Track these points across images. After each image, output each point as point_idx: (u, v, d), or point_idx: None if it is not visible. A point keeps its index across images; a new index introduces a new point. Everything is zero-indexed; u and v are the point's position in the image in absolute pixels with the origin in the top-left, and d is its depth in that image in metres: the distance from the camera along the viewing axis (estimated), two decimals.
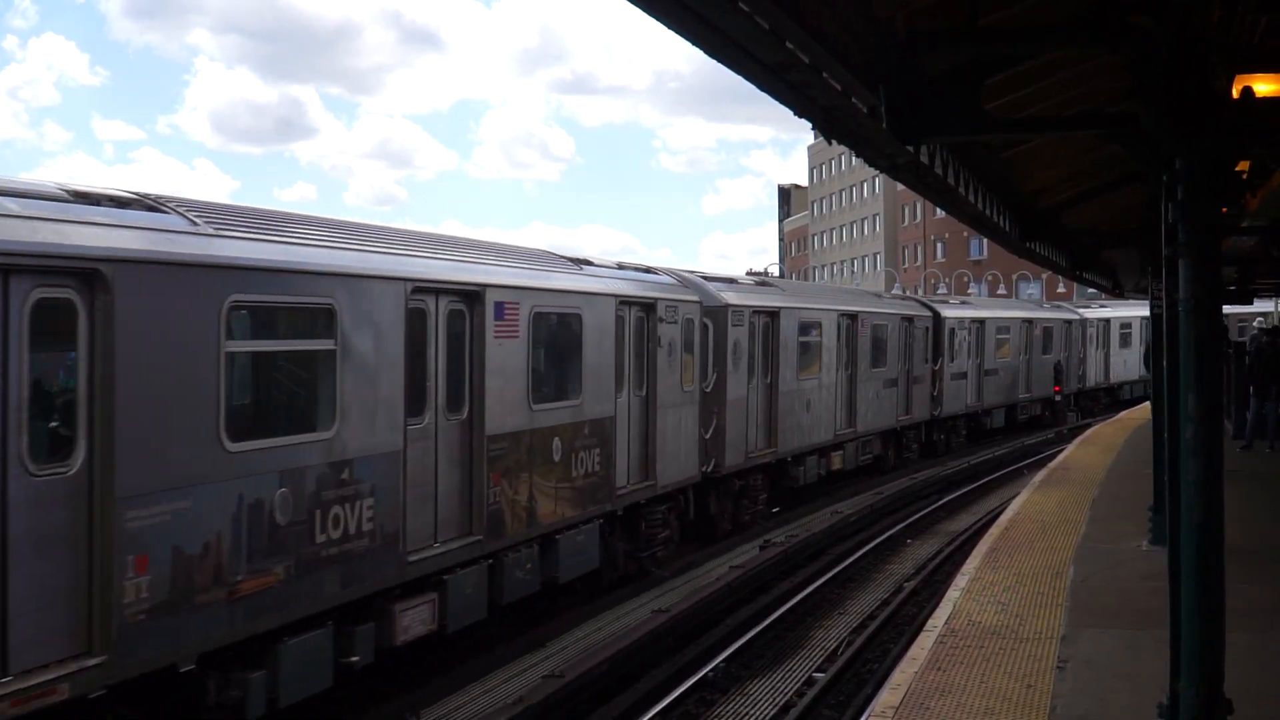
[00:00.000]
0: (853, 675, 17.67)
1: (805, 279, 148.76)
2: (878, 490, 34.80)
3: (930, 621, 15.25)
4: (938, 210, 22.06)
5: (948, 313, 44.76)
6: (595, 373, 19.96)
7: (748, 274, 40.49)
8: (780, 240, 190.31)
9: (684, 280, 25.45)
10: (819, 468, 32.50)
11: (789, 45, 7.81)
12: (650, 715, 15.58)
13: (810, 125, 10.33)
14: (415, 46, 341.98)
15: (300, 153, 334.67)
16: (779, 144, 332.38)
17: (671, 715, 15.84)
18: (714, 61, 7.96)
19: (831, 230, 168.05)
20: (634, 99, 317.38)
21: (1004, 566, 17.92)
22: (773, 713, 16.00)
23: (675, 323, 23.14)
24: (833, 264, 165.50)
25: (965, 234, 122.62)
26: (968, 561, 18.88)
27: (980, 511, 31.81)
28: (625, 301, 21.29)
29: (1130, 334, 64.84)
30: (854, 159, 13.52)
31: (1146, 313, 61.78)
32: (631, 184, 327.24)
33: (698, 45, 7.63)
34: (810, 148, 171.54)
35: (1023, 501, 24.61)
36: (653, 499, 22.56)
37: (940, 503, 33.87)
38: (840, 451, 34.03)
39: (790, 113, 9.58)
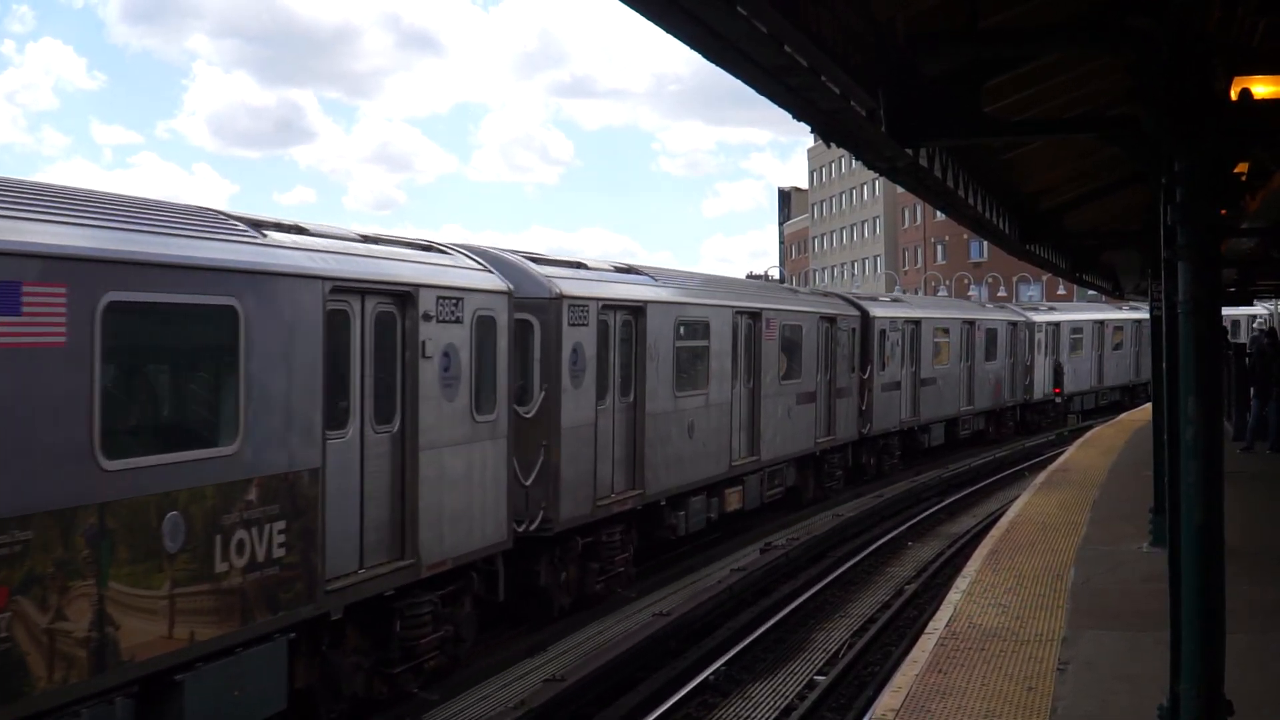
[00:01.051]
0: (854, 678, 17.67)
1: (806, 281, 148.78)
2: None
3: (931, 624, 15.25)
4: (938, 213, 22.07)
5: (877, 311, 37.94)
6: (268, 404, 12.71)
7: (760, 273, 39.47)
8: (780, 243, 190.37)
9: (491, 260, 18.38)
10: (709, 509, 25.28)
11: (787, 49, 7.81)
12: (652, 718, 15.58)
13: (809, 128, 10.33)
14: (414, 50, 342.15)
15: (299, 156, 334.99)
16: (778, 147, 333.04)
17: (673, 718, 15.84)
18: (713, 65, 7.97)
19: (832, 233, 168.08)
20: (633, 102, 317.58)
21: (1005, 568, 17.92)
22: (774, 715, 16.00)
23: (459, 322, 16.23)
24: (833, 266, 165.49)
25: (966, 236, 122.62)
26: (968, 564, 18.89)
27: (981, 513, 31.82)
28: (343, 289, 14.08)
29: (1081, 339, 59.47)
30: (854, 161, 13.50)
31: (1100, 316, 61.62)
32: (631, 187, 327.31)
33: (696, 49, 7.63)
34: (810, 150, 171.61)
35: (1024, 503, 24.61)
36: (414, 584, 15.38)
37: (941, 505, 33.87)
38: (738, 487, 27.02)
39: (789, 116, 9.58)
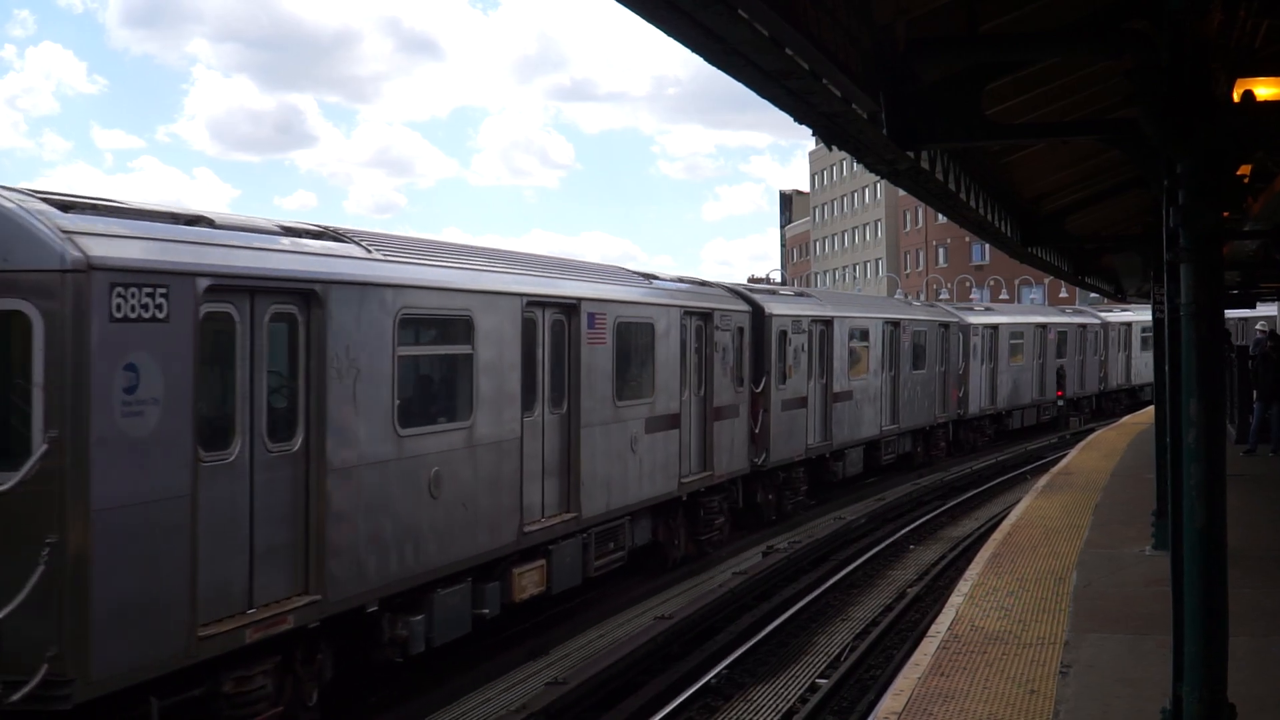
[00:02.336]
0: (856, 681, 17.65)
1: (808, 284, 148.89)
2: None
3: (933, 627, 15.23)
4: (940, 215, 22.04)
5: (776, 308, 29.57)
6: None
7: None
8: (782, 246, 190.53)
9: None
10: (479, 603, 16.83)
11: (788, 52, 7.81)
12: None
13: (811, 131, 10.33)
14: (414, 54, 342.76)
15: (300, 161, 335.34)
16: (778, 150, 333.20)
17: None
18: (713, 68, 7.97)
19: (833, 236, 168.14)
20: (633, 106, 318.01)
21: (1007, 572, 17.91)
22: (776, 719, 15.99)
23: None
24: (835, 269, 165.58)
25: (967, 239, 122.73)
26: (970, 567, 18.87)
27: (983, 517, 31.82)
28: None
29: (1021, 345, 52.06)
30: (855, 164, 13.53)
31: (1044, 319, 56.23)
32: (631, 191, 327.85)
33: (698, 52, 7.63)
34: (811, 153, 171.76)
35: (1026, 507, 24.59)
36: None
37: (943, 508, 33.84)
38: (536, 563, 18.29)
39: (790, 119, 9.58)
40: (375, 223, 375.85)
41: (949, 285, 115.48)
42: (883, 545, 27.96)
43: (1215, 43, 8.97)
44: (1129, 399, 64.64)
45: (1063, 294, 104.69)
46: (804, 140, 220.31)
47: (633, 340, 21.80)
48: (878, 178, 14.46)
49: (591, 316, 20.03)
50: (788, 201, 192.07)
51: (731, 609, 21.15)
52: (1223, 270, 9.04)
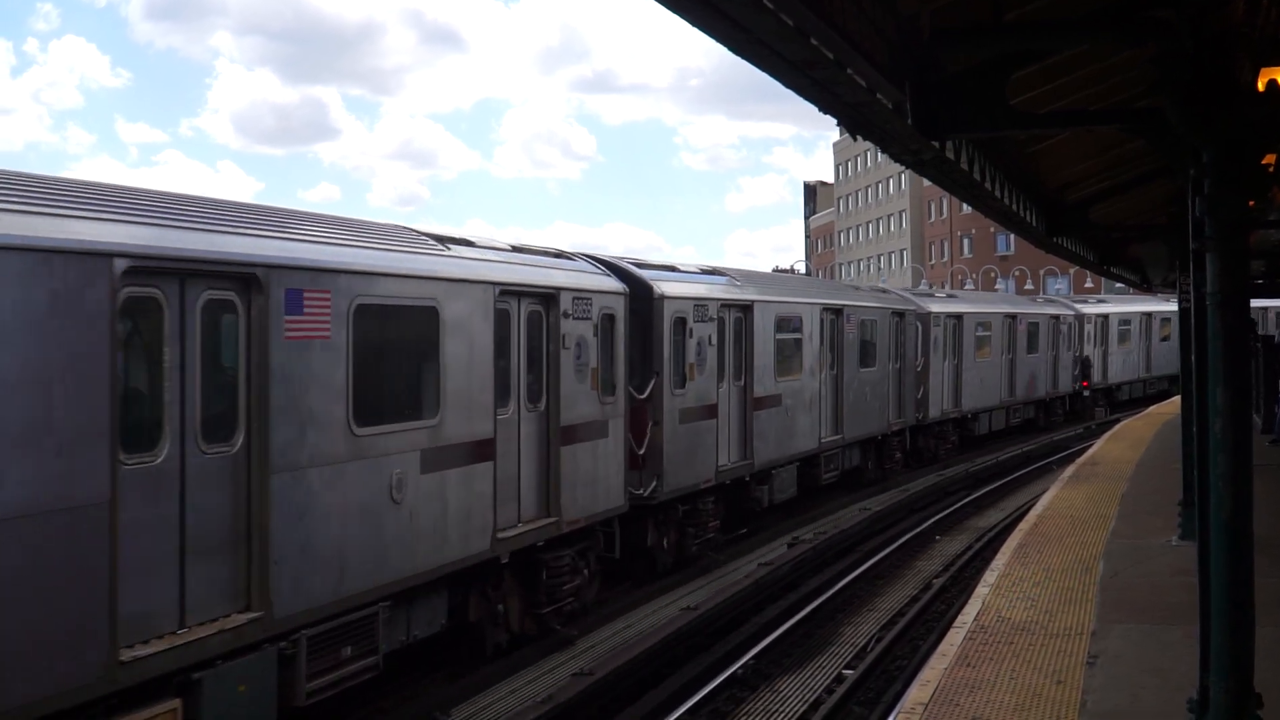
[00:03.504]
0: (882, 672, 17.67)
1: (831, 275, 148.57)
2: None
3: (960, 618, 15.23)
4: (964, 206, 21.80)
5: (669, 288, 22.95)
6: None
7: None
8: (806, 237, 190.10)
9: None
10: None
11: (814, 42, 7.82)
12: (680, 712, 15.60)
13: (835, 122, 10.33)
14: (436, 46, 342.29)
15: (323, 154, 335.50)
16: (801, 141, 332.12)
17: (701, 712, 15.86)
18: (735, 58, 7.98)
19: (858, 226, 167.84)
20: (655, 97, 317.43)
21: (1033, 562, 17.89)
22: (802, 709, 16.00)
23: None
24: (859, 260, 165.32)
25: (992, 229, 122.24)
26: (997, 557, 18.86)
27: (1009, 507, 31.77)
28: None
29: (990, 337, 45.39)
30: (880, 155, 13.52)
31: (1014, 309, 50.29)
32: (654, 182, 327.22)
33: (723, 42, 7.64)
34: (835, 144, 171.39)
35: (1052, 497, 24.56)
36: None
37: (969, 499, 33.79)
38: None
39: (813, 109, 9.58)
40: (400, 215, 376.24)
41: (974, 276, 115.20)
42: (908, 536, 27.91)
43: (1239, 31, 8.95)
44: (1105, 398, 59.14)
45: (1088, 284, 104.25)
46: (827, 131, 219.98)
47: (389, 334, 14.93)
48: (902, 168, 14.44)
49: (299, 295, 13.06)
50: (812, 192, 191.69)
51: (757, 600, 21.17)
52: (1248, 259, 9.03)
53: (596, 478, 19.55)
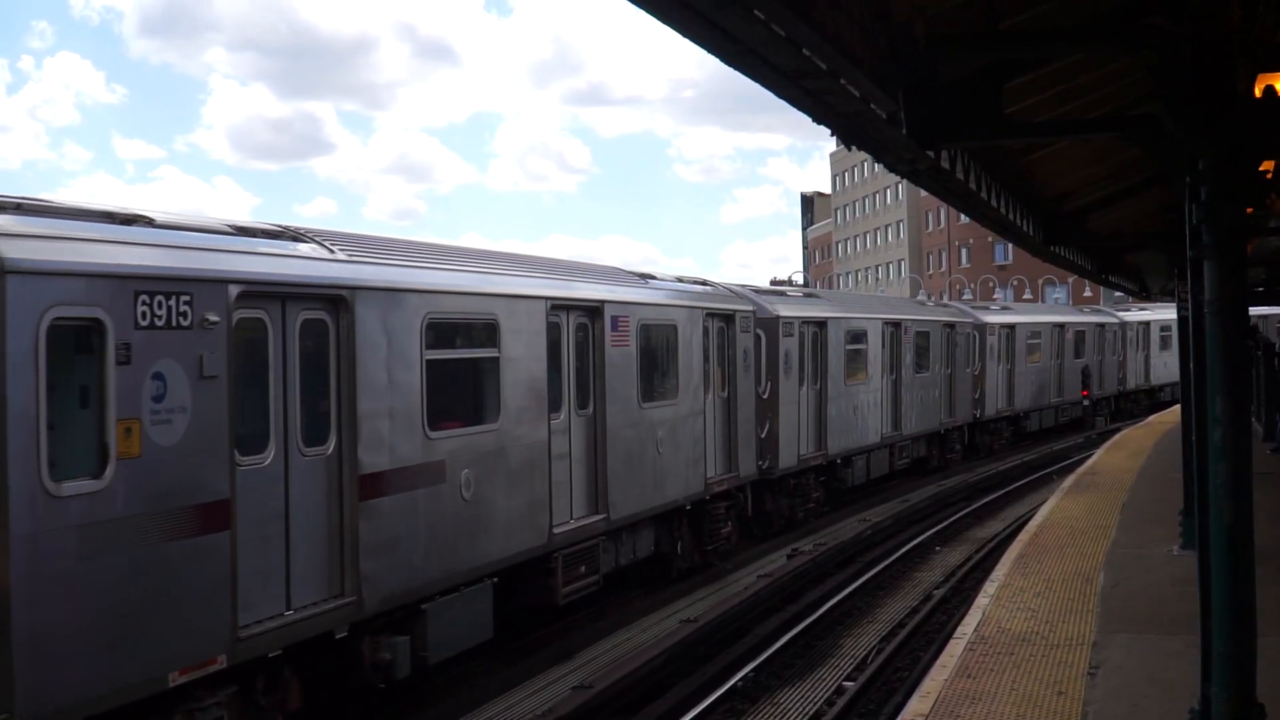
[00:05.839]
0: (883, 683, 17.59)
1: (829, 286, 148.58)
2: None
3: (960, 629, 15.19)
4: (962, 216, 21.95)
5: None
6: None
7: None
8: (804, 248, 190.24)
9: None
10: None
11: (805, 52, 7.78)
12: None
13: (829, 132, 10.31)
14: (429, 60, 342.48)
15: (318, 168, 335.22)
16: (795, 152, 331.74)
17: None
18: (729, 70, 7.95)
19: (855, 237, 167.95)
20: (649, 109, 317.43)
21: (1034, 573, 17.84)
22: None
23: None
24: (857, 270, 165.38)
25: (990, 239, 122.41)
26: (997, 568, 18.81)
27: (1009, 517, 31.69)
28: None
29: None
30: (877, 165, 13.51)
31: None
32: (649, 194, 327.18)
33: (714, 53, 7.61)
34: (832, 155, 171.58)
35: (1052, 507, 24.51)
36: None
37: (969, 509, 33.73)
38: None
39: (807, 120, 9.56)
40: (396, 229, 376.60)
41: (972, 285, 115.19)
42: (908, 547, 27.85)
43: (1236, 38, 8.90)
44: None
45: (1087, 293, 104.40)
46: (822, 142, 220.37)
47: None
48: (899, 178, 14.43)
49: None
50: (809, 203, 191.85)
51: (757, 611, 21.10)
52: (1246, 267, 8.99)
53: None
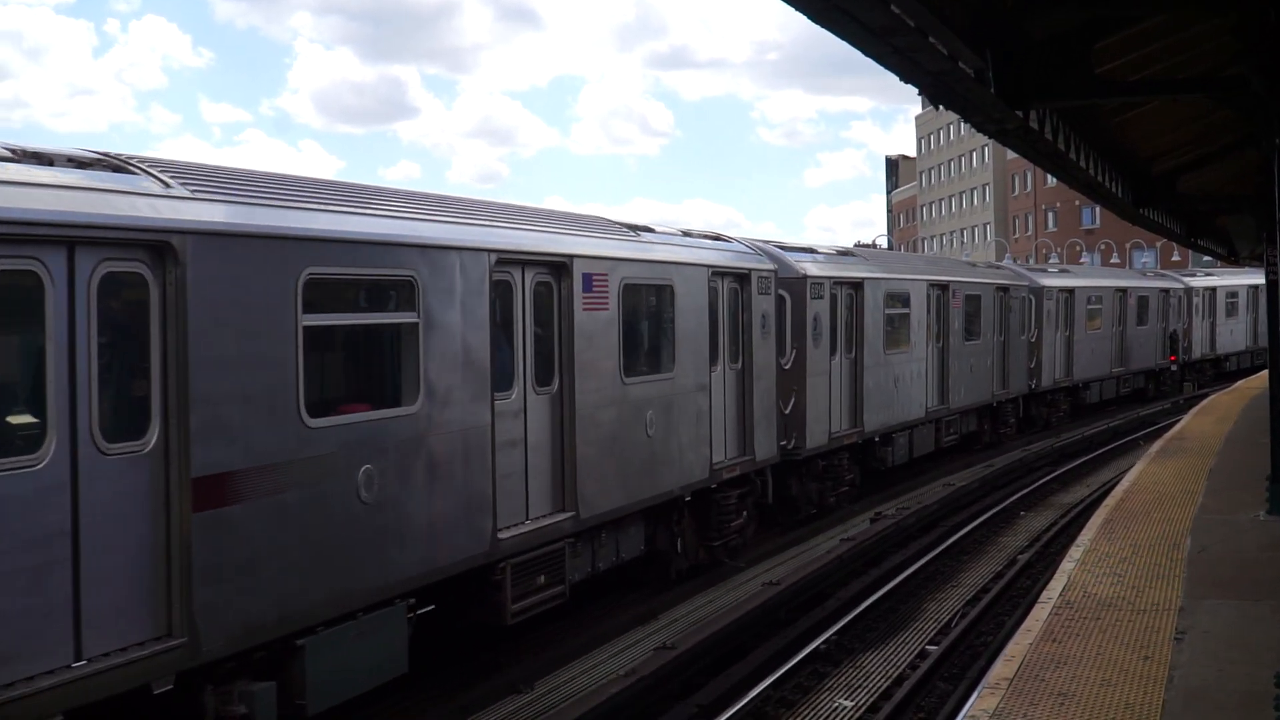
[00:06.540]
0: (966, 648, 17.57)
1: (914, 249, 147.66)
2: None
3: (1045, 593, 15.10)
4: (1049, 179, 21.78)
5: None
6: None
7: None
8: (888, 212, 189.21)
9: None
10: None
11: (894, 8, 7.76)
12: (763, 687, 15.58)
13: (916, 93, 10.26)
14: (513, 23, 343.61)
15: (402, 132, 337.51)
16: (879, 115, 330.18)
17: (784, 687, 15.83)
18: (812, 31, 7.98)
19: (940, 200, 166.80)
20: (732, 72, 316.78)
21: (1120, 538, 17.71)
22: (885, 685, 15.94)
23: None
24: (942, 234, 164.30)
25: (1077, 202, 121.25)
26: (1082, 533, 18.68)
27: (1095, 483, 31.49)
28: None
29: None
30: (963, 128, 13.43)
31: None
32: (732, 158, 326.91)
33: (802, 11, 7.60)
34: (918, 117, 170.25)
35: (1138, 472, 24.30)
36: None
37: (1054, 474, 33.53)
38: None
39: (893, 82, 9.54)
40: (480, 192, 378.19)
41: (1059, 250, 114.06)
42: (992, 512, 27.74)
43: None
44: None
45: (1175, 257, 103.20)
46: (906, 105, 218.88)
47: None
48: (986, 141, 14.37)
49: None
50: (894, 166, 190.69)
51: (840, 575, 21.10)
52: None
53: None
